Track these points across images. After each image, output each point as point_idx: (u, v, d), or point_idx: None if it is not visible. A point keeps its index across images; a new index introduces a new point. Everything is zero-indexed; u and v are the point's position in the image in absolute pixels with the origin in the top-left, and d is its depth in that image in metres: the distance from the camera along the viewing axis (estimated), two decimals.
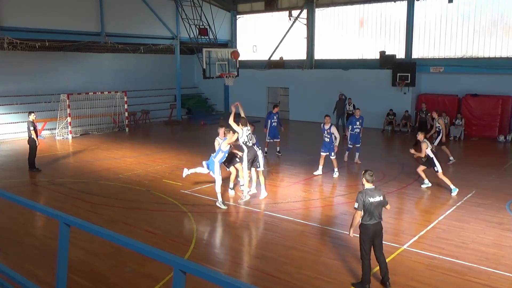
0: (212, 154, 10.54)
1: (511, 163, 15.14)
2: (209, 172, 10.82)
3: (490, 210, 9.99)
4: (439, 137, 14.34)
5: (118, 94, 22.38)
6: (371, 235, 6.38)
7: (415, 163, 14.90)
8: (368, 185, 6.49)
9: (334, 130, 12.99)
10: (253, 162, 10.56)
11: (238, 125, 10.40)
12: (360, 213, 6.36)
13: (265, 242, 8.61)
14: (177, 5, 24.39)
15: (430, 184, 11.75)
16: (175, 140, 20.24)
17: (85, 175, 13.39)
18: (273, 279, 6.97)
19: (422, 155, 11.39)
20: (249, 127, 10.50)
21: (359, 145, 14.77)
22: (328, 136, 13.02)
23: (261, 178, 10.85)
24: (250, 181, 10.87)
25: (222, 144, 10.12)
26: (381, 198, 6.45)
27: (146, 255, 2.96)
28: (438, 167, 11.26)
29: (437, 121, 14.48)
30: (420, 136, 11.63)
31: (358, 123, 14.72)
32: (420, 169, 11.78)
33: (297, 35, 25.53)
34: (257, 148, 10.65)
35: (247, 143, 10.40)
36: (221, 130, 10.59)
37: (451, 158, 14.59)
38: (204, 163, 11.04)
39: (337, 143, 12.98)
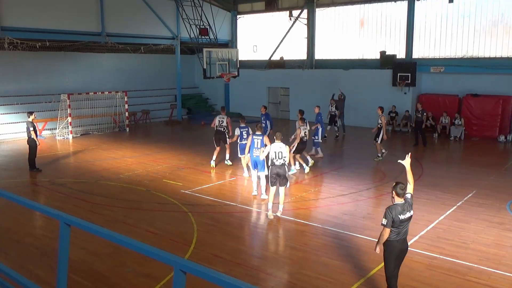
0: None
1: None
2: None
3: (490, 210, 9.99)
4: (381, 134, 14.76)
5: (118, 94, 22.38)
6: (397, 253, 5.86)
7: (414, 162, 14.93)
8: (399, 200, 5.78)
9: (297, 124, 13.69)
10: (277, 177, 9.48)
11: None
12: (388, 230, 5.75)
13: (265, 242, 8.61)
14: (177, 5, 24.39)
15: (296, 171, 13.41)
16: (175, 140, 20.25)
17: (85, 175, 13.40)
18: (273, 279, 6.97)
19: (297, 140, 12.95)
20: (281, 145, 9.55)
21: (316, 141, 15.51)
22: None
23: (282, 196, 9.70)
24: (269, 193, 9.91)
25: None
26: (411, 212, 5.86)
27: (147, 255, 2.96)
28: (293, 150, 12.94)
29: (380, 117, 14.82)
30: (299, 122, 13.37)
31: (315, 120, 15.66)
32: (292, 156, 12.94)
33: (298, 35, 25.53)
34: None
35: (274, 160, 9.44)
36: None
37: (379, 155, 15.08)
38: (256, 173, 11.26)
39: (292, 136, 13.60)
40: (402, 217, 5.72)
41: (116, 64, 25.94)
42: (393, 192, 5.81)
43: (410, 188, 6.04)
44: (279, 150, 9.43)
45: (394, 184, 5.85)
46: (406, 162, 6.21)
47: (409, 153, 6.34)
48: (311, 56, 25.18)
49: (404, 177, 6.32)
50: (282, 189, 9.58)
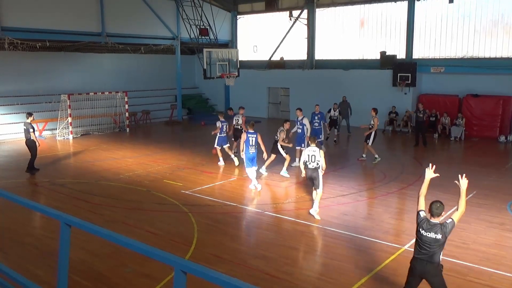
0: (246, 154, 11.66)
1: None
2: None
3: (491, 210, 9.99)
4: (372, 136, 14.69)
5: (118, 94, 22.38)
6: (417, 272, 5.39)
7: (415, 162, 14.93)
8: (433, 220, 5.26)
9: (306, 121, 14.21)
10: (311, 180, 9.71)
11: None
12: (421, 201, 5.47)
13: (265, 242, 8.60)
14: (177, 5, 24.40)
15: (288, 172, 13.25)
16: (175, 140, 20.25)
17: (85, 176, 13.40)
18: (273, 279, 6.97)
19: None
20: (315, 148, 9.55)
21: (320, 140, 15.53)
22: (301, 127, 14.22)
23: (317, 197, 9.71)
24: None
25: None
26: (438, 236, 5.18)
27: (147, 255, 2.96)
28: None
29: (373, 119, 14.80)
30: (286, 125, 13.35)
31: (316, 117, 15.92)
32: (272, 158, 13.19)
33: (298, 35, 25.53)
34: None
35: (307, 163, 9.58)
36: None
37: (364, 155, 15.19)
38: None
39: (308, 134, 13.85)
40: (424, 233, 5.27)
41: (116, 64, 25.94)
42: (428, 209, 5.35)
43: (456, 215, 5.31)
44: (312, 154, 9.49)
45: (432, 202, 5.36)
46: (463, 184, 5.40)
47: (464, 174, 5.48)
48: (311, 56, 25.18)
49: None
50: (317, 192, 9.63)
